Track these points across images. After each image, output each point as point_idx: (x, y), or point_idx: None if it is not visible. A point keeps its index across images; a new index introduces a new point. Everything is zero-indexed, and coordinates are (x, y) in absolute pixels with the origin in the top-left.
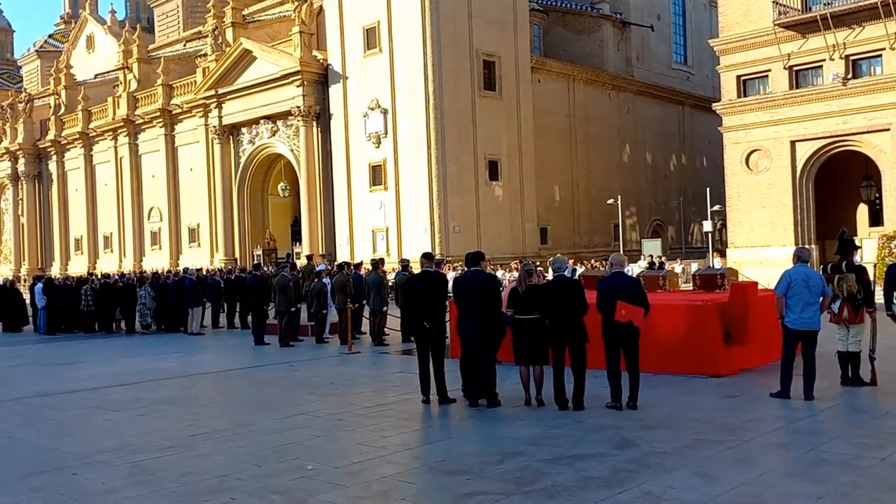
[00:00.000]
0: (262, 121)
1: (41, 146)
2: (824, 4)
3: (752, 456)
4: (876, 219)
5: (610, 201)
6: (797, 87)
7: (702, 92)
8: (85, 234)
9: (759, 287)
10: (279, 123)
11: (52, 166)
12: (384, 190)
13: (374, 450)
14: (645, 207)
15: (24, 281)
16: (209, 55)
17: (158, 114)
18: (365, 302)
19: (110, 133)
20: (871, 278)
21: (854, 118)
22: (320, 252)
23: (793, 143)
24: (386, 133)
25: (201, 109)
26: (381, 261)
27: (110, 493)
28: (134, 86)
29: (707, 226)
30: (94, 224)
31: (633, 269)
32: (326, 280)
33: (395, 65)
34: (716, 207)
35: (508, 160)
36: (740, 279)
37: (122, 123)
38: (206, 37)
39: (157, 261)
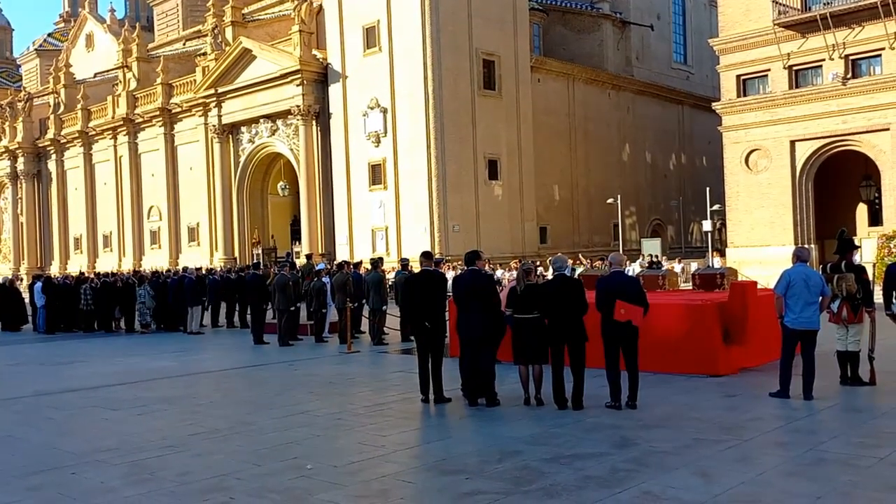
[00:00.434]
0: (261, 120)
1: (40, 145)
2: (824, 4)
3: (752, 455)
4: (875, 218)
5: (609, 201)
6: (797, 87)
7: (701, 91)
8: (84, 233)
9: (759, 286)
10: (279, 122)
11: (52, 165)
12: (384, 189)
13: (374, 449)
14: (644, 207)
15: (23, 280)
16: (209, 54)
17: (158, 113)
18: (364, 301)
19: (110, 132)
20: (871, 278)
21: (853, 118)
22: (320, 251)
23: (792, 142)
24: (385, 132)
25: (201, 108)
26: (381, 260)
27: (109, 492)
28: (133, 85)
29: (706, 225)
30: (94, 223)
31: (634, 269)
32: (326, 279)
33: (395, 64)
34: (715, 207)
35: (508, 159)
36: (740, 279)
37: (121, 122)
38: (206, 36)
39: (156, 260)
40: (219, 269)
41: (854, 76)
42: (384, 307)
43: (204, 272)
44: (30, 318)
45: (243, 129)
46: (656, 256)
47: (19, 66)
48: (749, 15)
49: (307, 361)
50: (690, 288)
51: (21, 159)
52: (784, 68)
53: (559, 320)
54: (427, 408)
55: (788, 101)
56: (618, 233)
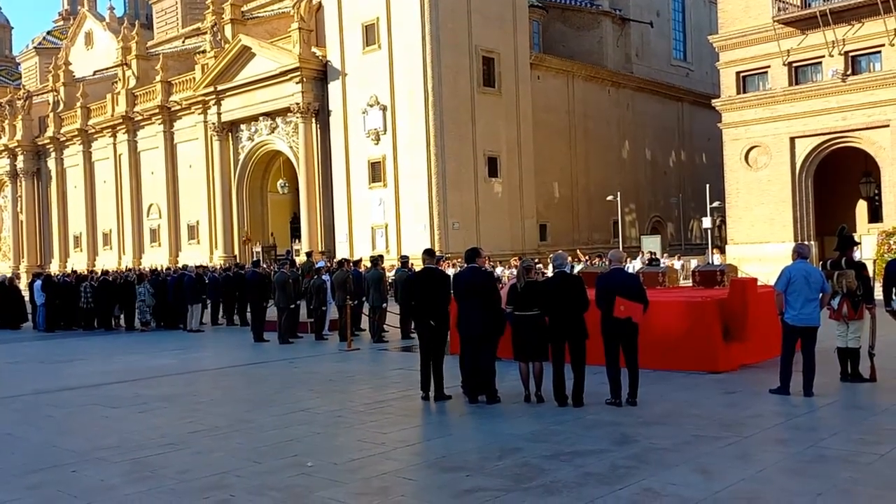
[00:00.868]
0: (261, 117)
1: (40, 143)
2: (823, 0)
3: (752, 452)
4: (875, 215)
5: (609, 198)
6: (796, 84)
7: (701, 88)
8: (84, 231)
9: (759, 283)
10: (278, 120)
11: (51, 163)
12: (383, 187)
13: (374, 446)
14: (644, 204)
15: (22, 278)
16: (208, 52)
17: (157, 110)
18: (364, 299)
19: (109, 130)
20: (871, 274)
21: (853, 114)
22: (320, 249)
23: (792, 139)
24: (385, 130)
25: (200, 106)
26: (381, 257)
27: (109, 489)
28: (133, 82)
29: (706, 222)
30: (94, 221)
31: (635, 266)
32: (326, 277)
33: (395, 61)
34: (715, 204)
35: (508, 157)
36: (740, 275)
37: (120, 120)
38: (205, 33)
39: (156, 258)
40: (218, 266)
41: (854, 73)
42: (384, 305)
43: (204, 270)
44: (29, 317)
45: (243, 126)
46: (655, 253)
47: (18, 64)
48: (749, 11)
49: (307, 359)
50: (690, 285)
51: (21, 157)
52: (784, 65)
53: (560, 317)
54: (427, 405)
55: (788, 98)
56: (618, 230)
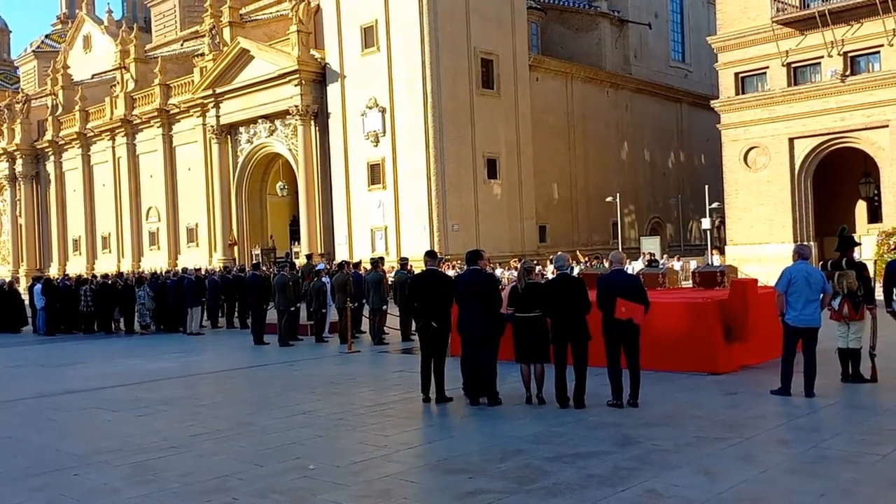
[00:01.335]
0: (259, 120)
1: (38, 147)
2: (822, 1)
3: (754, 453)
4: (875, 215)
5: (608, 199)
6: (795, 84)
7: (700, 89)
8: (83, 234)
9: (759, 284)
10: (277, 123)
11: (50, 167)
12: (383, 189)
13: (376, 449)
14: (643, 205)
15: (22, 282)
16: (206, 55)
17: (156, 114)
18: (364, 301)
19: (108, 133)
20: (871, 275)
21: (852, 115)
22: (319, 251)
23: (791, 140)
24: (384, 132)
25: (199, 109)
26: (381, 259)
27: (111, 493)
28: (131, 86)
29: (705, 223)
30: (93, 224)
31: (636, 267)
32: (326, 279)
33: (393, 63)
34: (714, 205)
35: (507, 158)
36: (740, 276)
37: (119, 123)
38: (204, 36)
39: (155, 261)
40: (217, 269)
41: (853, 73)
42: (384, 307)
43: (203, 273)
44: (29, 320)
45: (241, 129)
46: (654, 255)
47: (17, 67)
48: (747, 12)
49: (308, 362)
50: (690, 286)
51: (19, 161)
52: (783, 66)
53: (562, 319)
54: (429, 407)
55: (787, 99)
56: (617, 231)
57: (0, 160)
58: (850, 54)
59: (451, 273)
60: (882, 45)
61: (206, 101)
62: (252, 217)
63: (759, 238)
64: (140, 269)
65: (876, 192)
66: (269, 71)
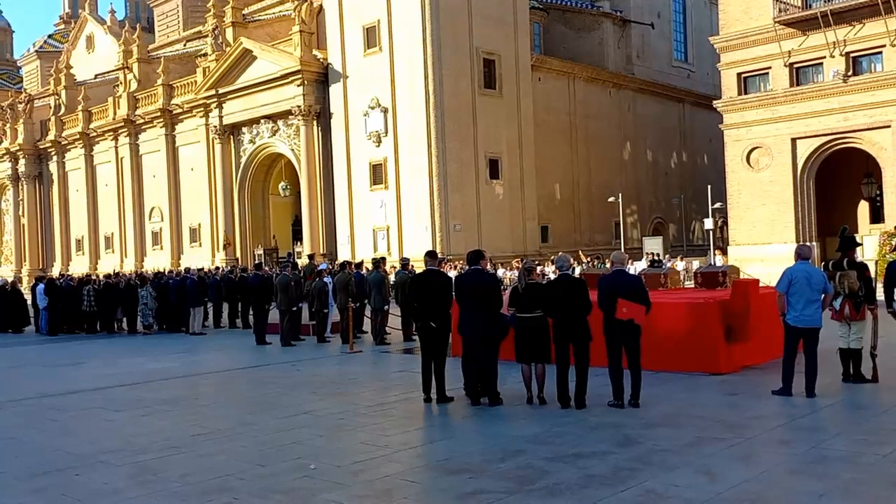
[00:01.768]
0: (262, 120)
1: (41, 147)
2: (825, 1)
3: (755, 453)
4: (877, 216)
5: (611, 199)
6: (798, 85)
7: (702, 89)
8: (86, 234)
9: (761, 284)
10: (280, 123)
11: (53, 167)
12: (385, 189)
13: (377, 449)
14: (646, 205)
15: (24, 282)
16: (209, 55)
17: (159, 114)
18: (366, 301)
19: (111, 133)
20: (873, 275)
21: (855, 115)
22: (321, 251)
23: (793, 140)
24: (386, 132)
25: (202, 109)
26: (383, 260)
27: (113, 493)
28: (134, 86)
29: (708, 223)
30: (95, 224)
31: (638, 267)
32: (328, 279)
33: (396, 63)
34: (717, 205)
35: (509, 158)
36: (742, 276)
37: (122, 123)
38: (206, 36)
39: (158, 261)
40: (221, 269)
41: (855, 73)
42: (386, 307)
43: (206, 273)
44: (32, 320)
45: (244, 129)
46: (657, 254)
47: (20, 67)
48: (750, 13)
49: (309, 362)
50: (692, 286)
51: (22, 161)
52: (785, 66)
53: (564, 320)
54: (430, 407)
55: (789, 99)
56: (619, 231)
57: (3, 160)
58: (852, 55)
59: (452, 273)
60: (884, 46)
61: (208, 102)
62: (254, 217)
63: (762, 238)
64: (143, 269)
65: (878, 192)
66: (271, 71)
